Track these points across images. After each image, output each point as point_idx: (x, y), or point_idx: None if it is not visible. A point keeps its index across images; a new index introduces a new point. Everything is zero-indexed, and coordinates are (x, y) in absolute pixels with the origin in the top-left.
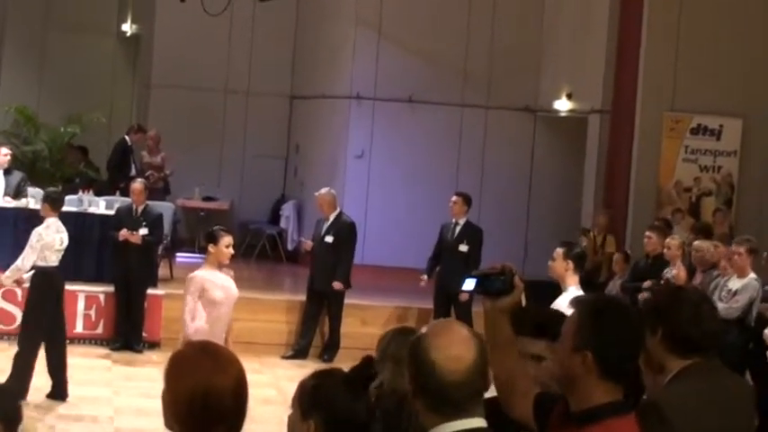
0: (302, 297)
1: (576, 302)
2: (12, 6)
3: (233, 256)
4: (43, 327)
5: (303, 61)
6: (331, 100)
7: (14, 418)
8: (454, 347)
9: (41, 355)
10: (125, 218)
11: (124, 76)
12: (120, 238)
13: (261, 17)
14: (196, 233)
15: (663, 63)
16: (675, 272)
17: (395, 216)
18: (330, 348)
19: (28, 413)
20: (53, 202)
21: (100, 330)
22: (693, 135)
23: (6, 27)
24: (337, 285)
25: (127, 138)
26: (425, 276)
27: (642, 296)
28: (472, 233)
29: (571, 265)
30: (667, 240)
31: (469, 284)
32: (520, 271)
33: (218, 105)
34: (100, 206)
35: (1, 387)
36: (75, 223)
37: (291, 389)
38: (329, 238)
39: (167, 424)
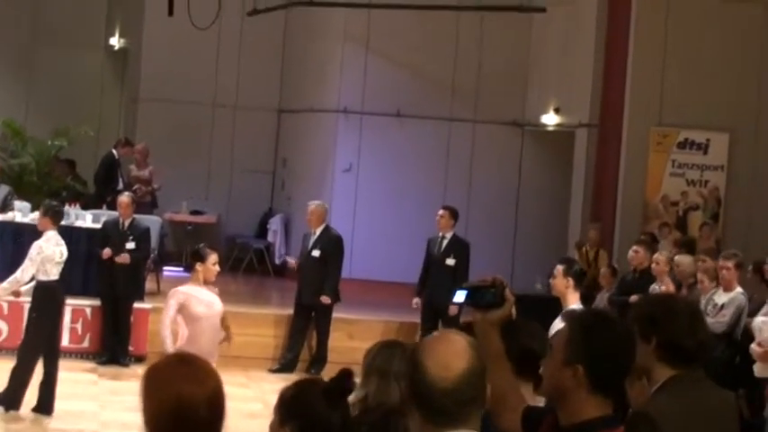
0: (289, 311)
1: (566, 316)
2: None
3: (220, 270)
4: (43, 340)
5: (291, 75)
6: (319, 114)
7: None
8: (446, 356)
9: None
10: (112, 232)
11: (112, 90)
12: (104, 257)
13: (249, 31)
14: (183, 247)
15: (650, 77)
16: (664, 288)
17: (382, 230)
18: (317, 362)
19: (14, 426)
20: (55, 215)
21: (86, 344)
22: (680, 149)
23: None
24: (325, 299)
25: (114, 151)
26: (417, 299)
27: (633, 299)
28: (459, 247)
29: (571, 282)
30: (655, 256)
31: (460, 297)
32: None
33: (205, 119)
34: (87, 220)
35: None
36: (62, 236)
37: None
38: (316, 252)
39: None
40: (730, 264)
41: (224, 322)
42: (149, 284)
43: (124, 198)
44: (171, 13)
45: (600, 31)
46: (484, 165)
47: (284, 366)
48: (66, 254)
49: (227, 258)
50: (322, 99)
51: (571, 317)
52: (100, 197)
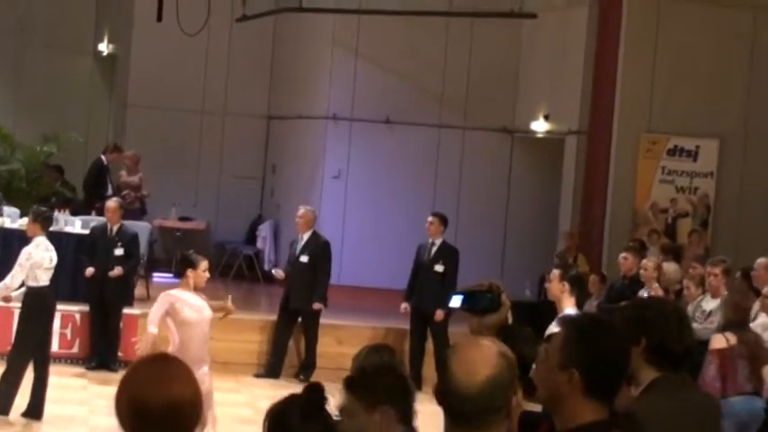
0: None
1: (562, 321)
2: None
3: (209, 277)
4: (33, 346)
5: (280, 82)
6: (308, 120)
7: None
8: (473, 362)
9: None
10: (100, 238)
11: (101, 96)
12: (88, 275)
13: (238, 37)
14: (173, 253)
15: (640, 84)
16: (653, 293)
17: (371, 236)
18: (306, 368)
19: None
20: (44, 221)
21: (76, 349)
22: (670, 156)
23: None
24: (317, 306)
25: (103, 157)
26: (405, 304)
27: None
28: (448, 253)
29: (567, 287)
30: (643, 262)
31: (456, 301)
32: None
33: (194, 125)
34: (76, 226)
35: None
36: (51, 242)
37: None
38: (304, 258)
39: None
40: (717, 270)
41: (221, 307)
42: (139, 290)
43: (111, 203)
44: (160, 18)
45: (590, 38)
46: (473, 171)
47: (269, 371)
48: (55, 259)
49: (217, 265)
50: (311, 106)
51: (567, 321)
52: (89, 203)
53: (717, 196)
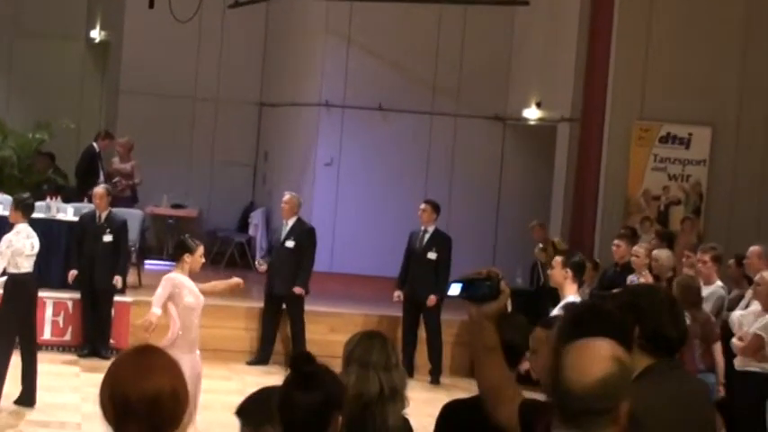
0: None
1: (564, 308)
2: None
3: (202, 264)
4: (15, 334)
5: (272, 69)
6: (300, 107)
7: None
8: (584, 361)
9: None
10: (88, 225)
11: (93, 83)
12: (70, 280)
13: (230, 24)
14: (164, 240)
15: (632, 71)
16: (643, 279)
17: (364, 224)
18: None
19: None
20: (25, 208)
21: (68, 337)
22: (662, 144)
23: None
24: (298, 290)
25: (95, 144)
26: (398, 292)
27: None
28: (441, 241)
29: (570, 273)
30: (634, 248)
31: (455, 289)
32: None
33: (186, 112)
34: (68, 213)
35: None
36: (43, 230)
37: None
38: (290, 243)
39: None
40: (707, 257)
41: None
42: (131, 278)
43: (99, 189)
44: (152, 5)
45: (582, 25)
46: (466, 159)
47: (258, 358)
48: (37, 246)
49: (209, 252)
50: (303, 93)
51: (567, 308)
52: (81, 190)
53: (709, 184)
